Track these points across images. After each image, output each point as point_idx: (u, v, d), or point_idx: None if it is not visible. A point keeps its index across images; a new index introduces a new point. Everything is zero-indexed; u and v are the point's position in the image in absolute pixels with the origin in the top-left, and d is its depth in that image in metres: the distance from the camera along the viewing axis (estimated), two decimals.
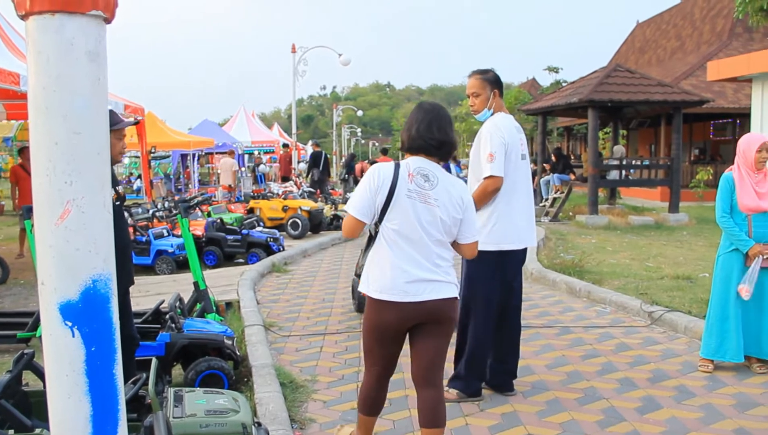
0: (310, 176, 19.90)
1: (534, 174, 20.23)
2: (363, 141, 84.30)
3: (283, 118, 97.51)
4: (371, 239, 3.62)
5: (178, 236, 10.79)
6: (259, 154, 32.47)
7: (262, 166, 27.68)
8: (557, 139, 34.61)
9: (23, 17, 1.42)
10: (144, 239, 10.81)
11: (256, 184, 24.89)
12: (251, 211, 15.13)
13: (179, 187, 25.92)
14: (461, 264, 4.89)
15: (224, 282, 8.97)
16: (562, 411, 4.66)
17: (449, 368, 5.09)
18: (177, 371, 5.40)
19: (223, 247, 11.43)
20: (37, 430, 3.04)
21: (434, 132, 3.53)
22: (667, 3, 37.02)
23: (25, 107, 9.68)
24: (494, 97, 4.79)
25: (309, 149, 34.41)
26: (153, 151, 18.85)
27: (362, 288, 3.59)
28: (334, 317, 7.38)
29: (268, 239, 11.52)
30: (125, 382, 3.48)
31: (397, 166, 3.51)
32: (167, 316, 5.14)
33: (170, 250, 10.71)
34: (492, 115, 4.80)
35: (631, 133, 29.31)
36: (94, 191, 1.44)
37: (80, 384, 1.42)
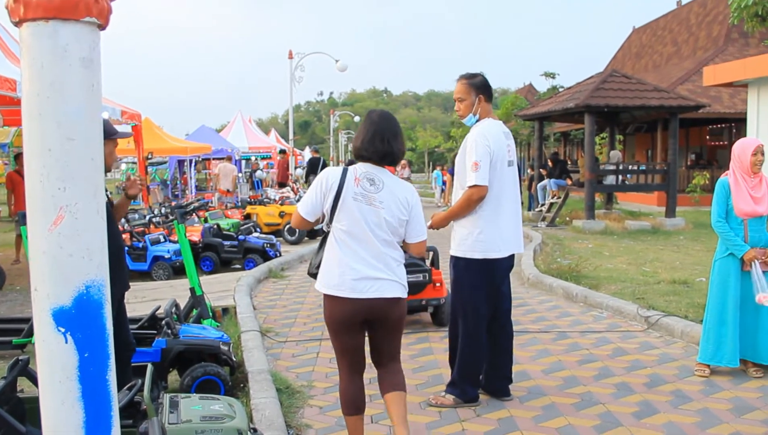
0: (307, 182, 19.91)
1: (531, 179, 20.28)
2: None
3: (280, 124, 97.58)
4: (324, 240, 3.84)
5: (174, 242, 10.79)
6: (256, 159, 32.46)
7: (259, 172, 27.68)
8: (554, 144, 34.63)
9: (17, 24, 1.43)
10: (140, 245, 10.80)
11: (253, 189, 24.87)
12: (248, 216, 15.13)
13: (176, 192, 25.89)
14: (449, 270, 4.90)
15: (221, 288, 8.96)
16: (559, 416, 4.65)
17: (446, 374, 5.11)
18: (173, 377, 5.39)
19: (219, 253, 11.42)
20: None
21: (377, 144, 3.74)
22: (663, 9, 37.10)
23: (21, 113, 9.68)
24: (479, 103, 4.76)
25: (306, 155, 34.42)
26: (150, 156, 18.84)
27: (317, 285, 3.82)
28: None
29: (265, 245, 11.52)
30: (121, 388, 3.49)
31: (344, 171, 3.74)
32: (163, 322, 5.12)
33: (167, 255, 10.71)
34: (478, 120, 4.77)
35: (628, 138, 29.38)
36: (87, 197, 1.44)
37: (73, 390, 1.42)
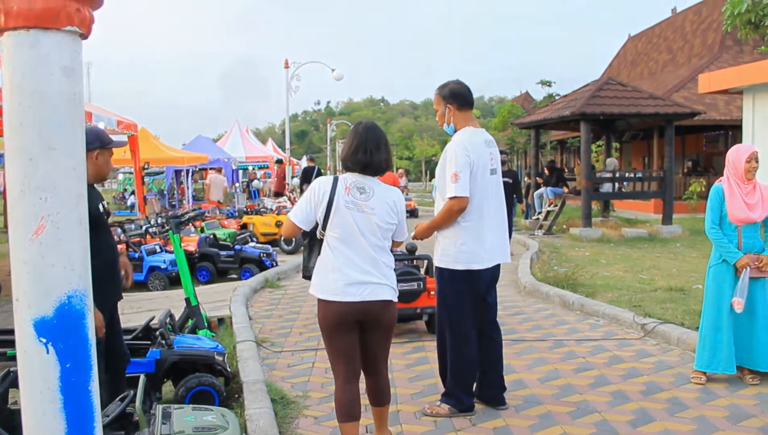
0: (302, 191, 19.91)
1: (528, 188, 20.28)
2: None
3: (277, 134, 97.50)
4: (312, 243, 4.09)
5: (171, 252, 10.76)
6: (253, 169, 32.47)
7: (255, 182, 27.68)
8: (551, 152, 34.69)
9: None
10: (137, 255, 10.77)
11: (250, 199, 24.86)
12: (244, 226, 15.11)
13: (173, 202, 25.90)
14: (436, 281, 4.88)
15: (217, 298, 8.94)
16: (555, 425, 4.63)
17: (442, 383, 5.08)
18: (168, 388, 5.37)
19: (216, 263, 11.40)
20: None
21: (359, 156, 3.91)
22: (658, 17, 37.24)
23: None
24: (450, 112, 4.72)
25: (303, 164, 34.51)
26: (146, 166, 18.85)
27: (311, 290, 3.96)
28: None
29: (261, 255, 11.50)
30: (116, 398, 3.47)
31: (335, 180, 3.92)
32: (157, 333, 5.11)
33: (163, 266, 10.69)
34: (456, 129, 4.72)
35: (624, 145, 29.40)
36: (69, 207, 1.43)
37: (55, 401, 1.41)
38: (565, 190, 18.11)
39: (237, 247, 11.64)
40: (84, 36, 1.47)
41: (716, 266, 5.43)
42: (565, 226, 17.23)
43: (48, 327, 1.40)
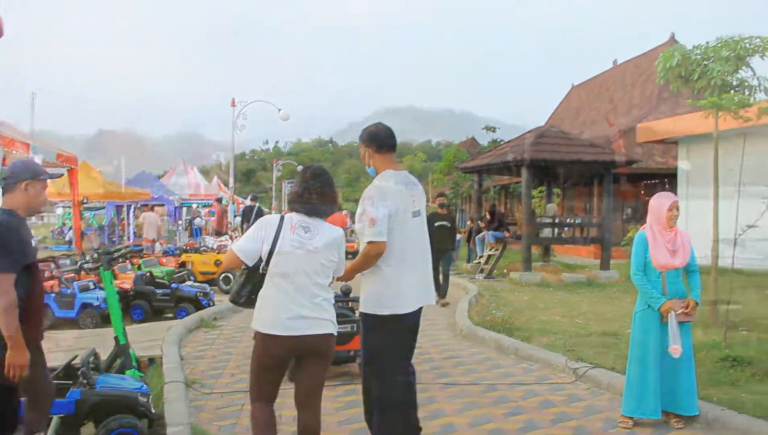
0: (242, 230, 19.71)
1: (470, 232, 20.46)
2: None
3: (224, 172, 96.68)
4: (250, 275, 4.16)
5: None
6: (197, 207, 32.13)
7: (198, 220, 27.37)
8: (494, 197, 35.16)
9: None
10: (68, 292, 10.49)
11: (192, 237, 24.54)
12: (183, 265, 14.86)
13: (113, 238, 25.39)
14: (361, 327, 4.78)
15: (150, 337, 8.75)
16: None
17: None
18: (90, 430, 5.20)
19: (151, 301, 11.17)
20: None
21: (305, 198, 4.15)
22: (600, 68, 38.44)
23: None
24: (370, 156, 4.66)
25: (248, 203, 34.30)
26: (85, 201, 18.50)
27: (253, 324, 4.09)
28: None
29: (198, 294, 11.32)
30: None
31: (281, 219, 4.11)
32: (79, 372, 4.95)
33: (96, 303, 10.41)
34: (377, 172, 4.64)
35: (566, 191, 30.00)
36: None
37: None
38: (506, 234, 18.32)
39: (174, 285, 11.43)
40: None
41: (642, 312, 5.53)
42: (505, 271, 17.36)
43: None
